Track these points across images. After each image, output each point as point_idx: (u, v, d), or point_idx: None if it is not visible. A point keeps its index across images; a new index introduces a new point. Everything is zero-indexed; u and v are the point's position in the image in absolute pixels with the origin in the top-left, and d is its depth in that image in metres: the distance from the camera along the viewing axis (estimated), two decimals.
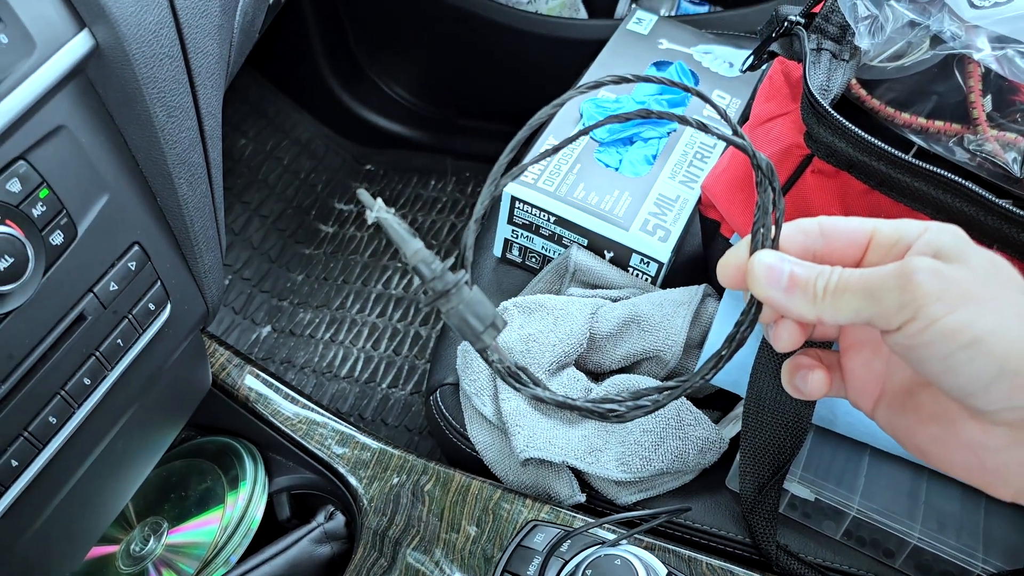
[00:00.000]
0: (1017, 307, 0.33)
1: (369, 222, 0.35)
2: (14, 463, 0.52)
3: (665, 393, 0.38)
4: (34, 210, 0.50)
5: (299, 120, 1.53)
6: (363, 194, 0.36)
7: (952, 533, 0.62)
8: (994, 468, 0.35)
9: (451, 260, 0.37)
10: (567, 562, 0.58)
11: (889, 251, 0.37)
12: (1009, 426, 0.34)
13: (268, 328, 1.31)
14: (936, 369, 0.33)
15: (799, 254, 0.37)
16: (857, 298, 0.34)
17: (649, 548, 0.61)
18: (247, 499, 0.70)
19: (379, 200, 0.35)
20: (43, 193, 0.50)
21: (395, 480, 0.69)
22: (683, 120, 0.40)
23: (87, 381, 0.55)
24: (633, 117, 0.41)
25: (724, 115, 0.40)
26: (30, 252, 0.49)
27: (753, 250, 0.37)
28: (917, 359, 0.34)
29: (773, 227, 0.37)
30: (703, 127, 0.39)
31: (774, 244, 0.37)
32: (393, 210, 0.35)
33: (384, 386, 1.23)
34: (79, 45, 0.51)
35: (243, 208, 1.42)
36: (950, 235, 0.35)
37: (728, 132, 0.40)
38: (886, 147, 0.58)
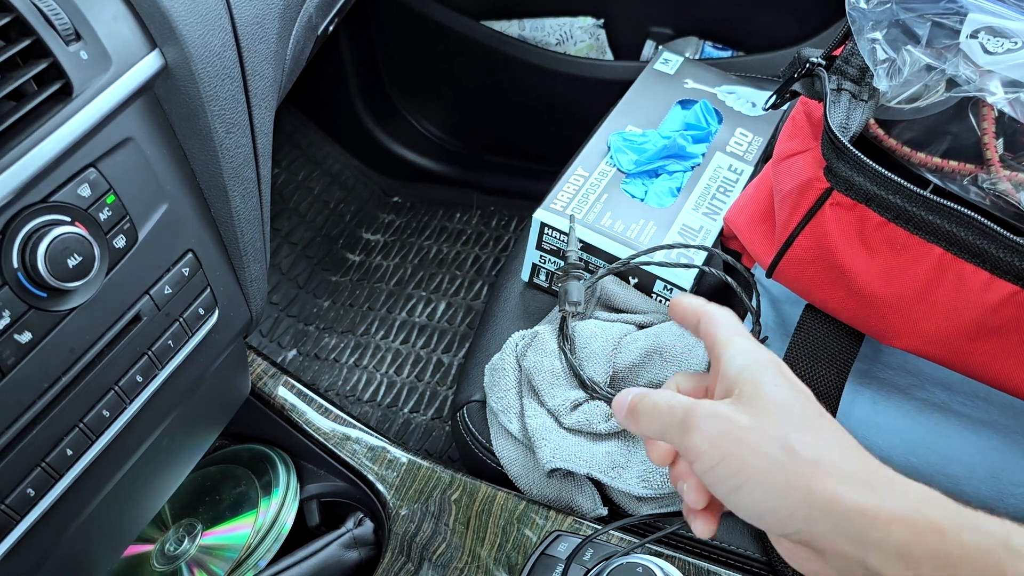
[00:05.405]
0: (778, 450, 0.39)
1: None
2: (69, 452, 0.55)
3: None
4: (101, 214, 0.53)
5: (331, 152, 1.58)
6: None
7: None
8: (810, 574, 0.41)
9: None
10: (589, 570, 0.61)
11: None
12: (800, 544, 0.40)
13: (294, 352, 1.34)
14: (725, 501, 0.41)
15: None
16: (655, 425, 0.44)
17: (669, 560, 0.63)
18: (279, 505, 0.73)
19: None
20: (110, 199, 0.53)
21: (423, 490, 0.71)
22: None
23: (139, 379, 0.58)
24: None
25: None
26: (96, 253, 0.52)
27: None
28: (713, 491, 0.42)
29: None
30: None
31: None
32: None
33: (406, 411, 1.25)
34: (150, 64, 0.54)
35: (274, 235, 1.46)
36: (747, 372, 0.43)
37: None
38: (903, 181, 0.61)
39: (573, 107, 1.28)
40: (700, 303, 0.49)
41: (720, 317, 0.48)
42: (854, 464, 0.39)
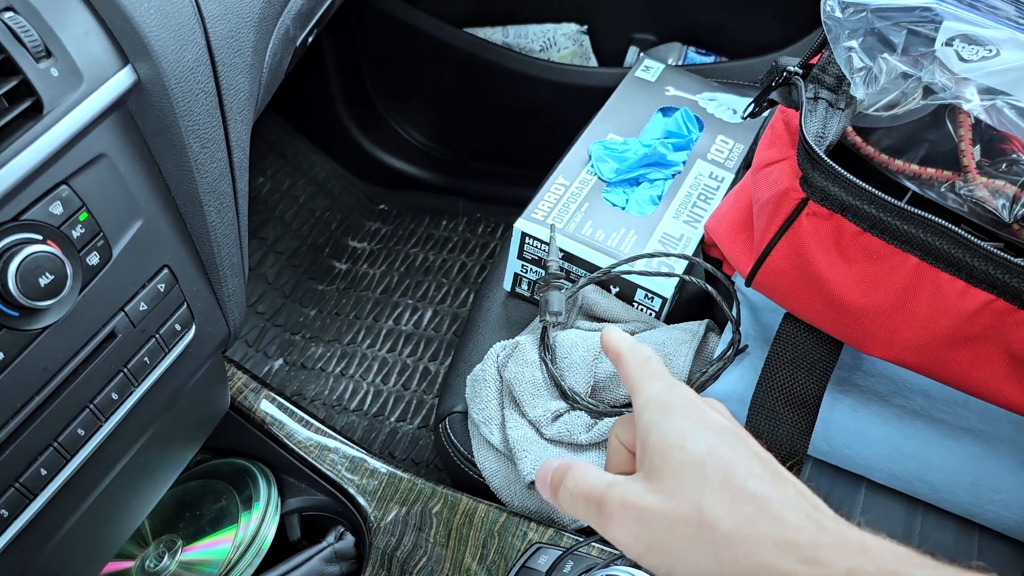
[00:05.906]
0: (694, 529, 0.36)
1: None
2: (43, 472, 0.55)
3: None
4: (74, 232, 0.52)
5: (316, 160, 1.57)
6: None
7: None
8: None
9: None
10: None
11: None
12: None
13: (280, 361, 1.34)
14: None
15: None
16: (577, 514, 0.40)
17: (648, 572, 0.63)
18: (260, 519, 0.72)
19: None
20: (83, 216, 0.53)
21: (404, 502, 0.71)
22: None
23: (115, 396, 0.58)
24: None
25: None
26: (69, 271, 0.52)
27: None
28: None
29: None
30: None
31: None
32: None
33: (393, 420, 1.25)
34: (122, 80, 0.54)
35: (259, 244, 1.46)
36: (653, 431, 0.39)
37: None
38: (876, 191, 0.61)
39: (558, 113, 1.28)
40: (618, 341, 0.46)
41: (631, 359, 0.44)
42: (773, 525, 0.35)
